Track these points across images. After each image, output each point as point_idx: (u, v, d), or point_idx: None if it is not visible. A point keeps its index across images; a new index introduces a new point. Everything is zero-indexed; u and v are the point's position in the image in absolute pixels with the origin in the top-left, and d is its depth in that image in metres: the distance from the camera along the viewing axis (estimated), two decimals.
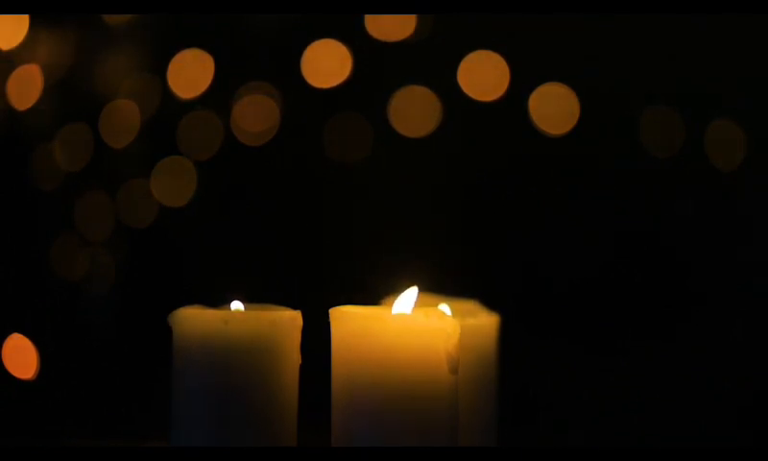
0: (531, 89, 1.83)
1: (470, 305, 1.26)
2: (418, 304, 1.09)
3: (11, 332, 1.79)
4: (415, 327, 1.04)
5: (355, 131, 1.87)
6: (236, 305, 1.12)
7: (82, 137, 1.85)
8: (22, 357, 1.79)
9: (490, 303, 1.27)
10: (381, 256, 1.71)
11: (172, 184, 1.87)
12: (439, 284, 1.27)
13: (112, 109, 1.86)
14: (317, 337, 1.11)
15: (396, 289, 1.10)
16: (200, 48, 1.86)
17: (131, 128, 1.86)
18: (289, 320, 1.10)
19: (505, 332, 1.25)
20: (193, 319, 1.08)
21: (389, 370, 1.03)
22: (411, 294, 1.09)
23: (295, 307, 1.11)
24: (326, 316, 1.08)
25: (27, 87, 1.83)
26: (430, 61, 1.85)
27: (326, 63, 1.86)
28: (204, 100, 1.86)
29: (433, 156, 1.86)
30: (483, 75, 1.84)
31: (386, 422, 1.03)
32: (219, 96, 1.87)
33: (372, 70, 1.85)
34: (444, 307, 1.16)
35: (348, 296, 1.12)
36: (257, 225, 1.88)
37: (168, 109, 1.86)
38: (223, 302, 1.12)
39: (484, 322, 1.23)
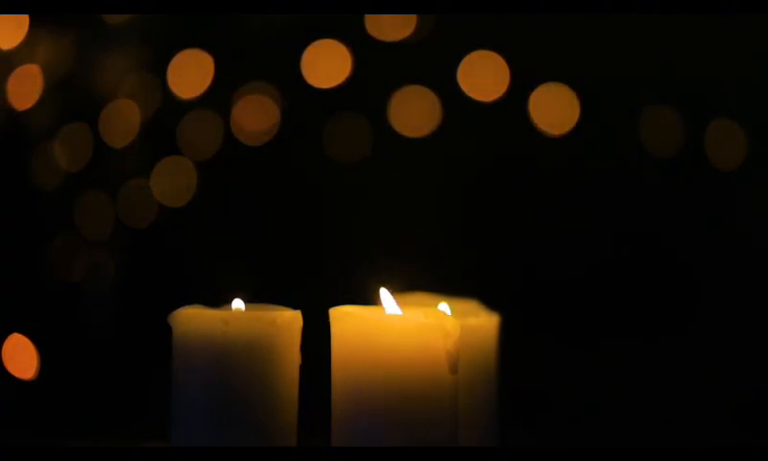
0: (531, 89, 1.83)
1: (470, 305, 1.26)
2: (404, 302, 1.09)
3: (11, 332, 1.79)
4: (415, 327, 1.04)
5: (355, 131, 1.87)
6: (237, 304, 1.12)
7: (82, 137, 1.85)
8: (22, 357, 1.79)
9: (490, 303, 1.27)
10: (381, 256, 1.71)
11: (172, 184, 1.87)
12: (439, 284, 1.27)
13: (112, 109, 1.86)
14: (317, 337, 1.11)
15: (394, 290, 1.10)
16: (200, 48, 1.86)
17: (131, 128, 1.86)
18: (289, 320, 1.10)
19: (505, 332, 1.26)
20: (193, 319, 1.08)
21: (389, 370, 1.03)
22: (385, 296, 1.09)
23: (295, 307, 1.11)
24: (326, 316, 1.08)
25: (27, 87, 1.83)
26: (430, 61, 1.85)
27: (326, 63, 1.85)
28: (203, 100, 1.86)
29: (433, 156, 1.86)
30: (483, 75, 1.84)
31: (386, 421, 1.03)
32: (219, 96, 1.87)
33: (372, 70, 1.85)
34: (445, 307, 1.17)
35: (348, 296, 1.12)
36: (257, 225, 1.88)
37: (168, 109, 1.86)
38: (223, 302, 1.12)
39: (484, 322, 1.23)
